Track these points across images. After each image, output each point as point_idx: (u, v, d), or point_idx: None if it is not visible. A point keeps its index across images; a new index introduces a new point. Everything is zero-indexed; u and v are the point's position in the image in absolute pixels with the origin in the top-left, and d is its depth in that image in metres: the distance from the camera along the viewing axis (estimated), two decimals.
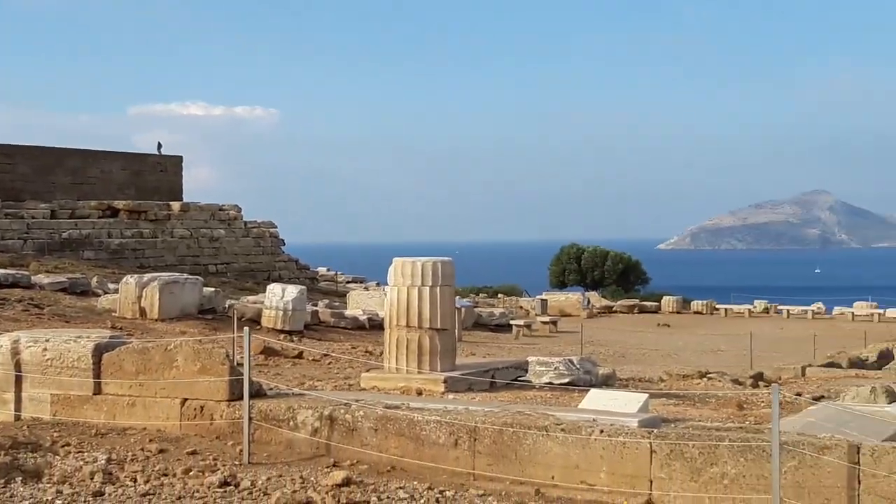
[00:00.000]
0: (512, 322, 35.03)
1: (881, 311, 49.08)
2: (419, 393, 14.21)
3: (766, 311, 51.62)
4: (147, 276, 24.71)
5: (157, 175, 54.38)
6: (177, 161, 56.92)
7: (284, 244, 55.03)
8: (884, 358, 23.44)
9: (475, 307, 37.58)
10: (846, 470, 7.97)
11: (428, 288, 15.33)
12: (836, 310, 50.90)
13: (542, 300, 47.07)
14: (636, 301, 53.43)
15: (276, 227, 54.33)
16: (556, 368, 15.21)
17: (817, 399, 14.21)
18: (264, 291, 26.62)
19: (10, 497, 8.26)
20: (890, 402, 13.05)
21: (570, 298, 50.27)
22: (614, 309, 50.67)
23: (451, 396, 13.87)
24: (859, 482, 7.93)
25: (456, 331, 22.14)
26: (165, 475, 9.15)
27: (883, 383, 14.59)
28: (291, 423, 10.58)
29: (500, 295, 53.86)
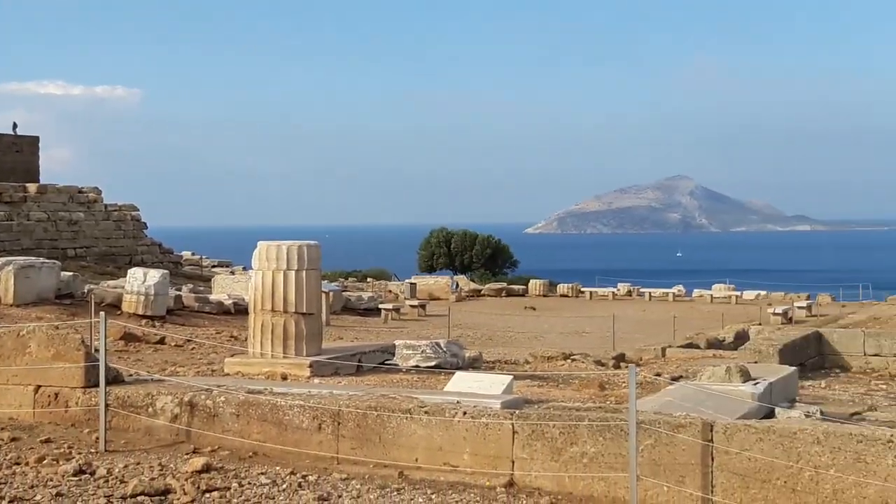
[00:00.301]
0: (381, 306, 34.99)
1: (738, 293, 50.70)
2: (284, 378, 14.07)
3: (630, 293, 52.79)
4: (1, 261, 23.84)
5: (12, 156, 52.36)
6: (33, 141, 54.91)
7: (147, 228, 53.73)
8: (740, 339, 24.20)
9: (344, 291, 37.41)
10: (700, 447, 8.18)
11: (294, 272, 15.17)
12: (696, 292, 52.35)
13: (412, 284, 47.15)
14: (504, 285, 53.98)
15: (138, 210, 52.98)
16: (422, 352, 15.25)
17: (676, 379, 14.58)
18: (126, 276, 25.96)
19: None
20: (744, 382, 13.48)
21: (439, 282, 50.45)
22: (482, 292, 51.11)
23: (316, 381, 13.77)
24: (713, 459, 8.16)
25: (323, 315, 21.99)
26: (18, 464, 8.85)
27: (738, 363, 15.04)
28: (150, 409, 10.35)
29: (369, 279, 53.75)
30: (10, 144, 53.40)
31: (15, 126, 56.08)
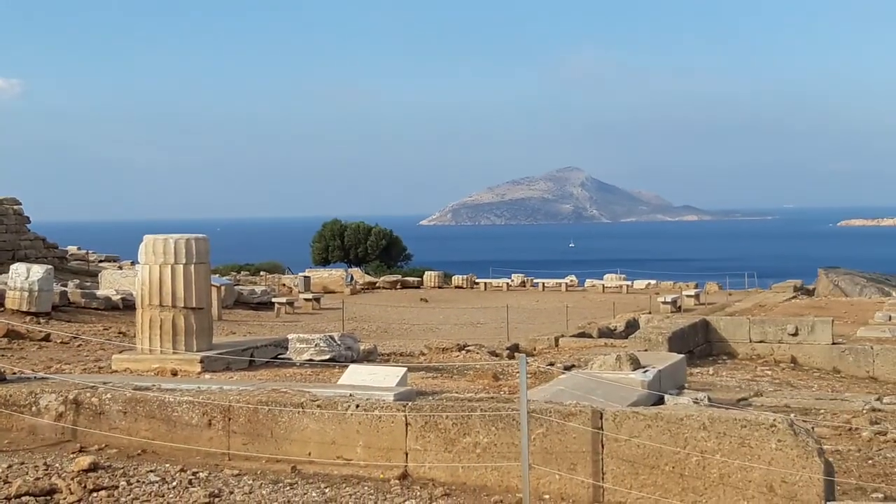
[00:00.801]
0: (274, 300, 34.63)
1: (629, 282, 51.61)
2: (174, 374, 13.83)
3: (523, 284, 53.31)
4: None
5: None
6: None
7: (30, 222, 52.25)
8: (631, 327, 24.62)
9: (236, 285, 36.93)
10: (590, 435, 8.28)
11: (182, 266, 14.90)
12: (588, 282, 53.10)
13: (306, 277, 46.77)
14: (399, 277, 53.98)
15: (20, 204, 51.42)
16: (316, 345, 15.13)
17: (568, 368, 14.76)
18: (7, 272, 25.19)
19: None
20: (634, 370, 13.72)
21: (333, 275, 50.16)
22: (377, 285, 51.01)
23: (207, 376, 13.57)
24: (603, 446, 8.27)
25: (214, 309, 21.68)
26: None
27: (628, 351, 15.30)
28: (34, 408, 10.07)
29: (262, 272, 53.13)
30: None
31: None
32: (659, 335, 19.75)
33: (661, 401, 11.58)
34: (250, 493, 8.09)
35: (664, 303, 37.09)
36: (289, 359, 15.10)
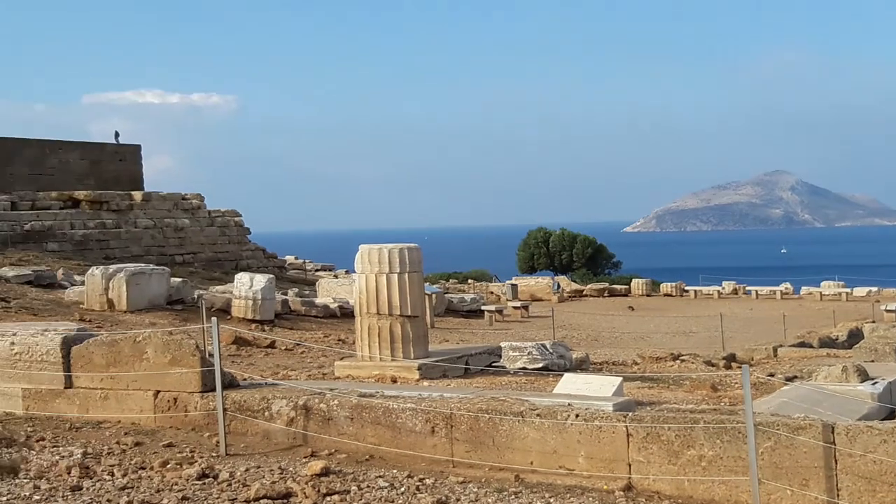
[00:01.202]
0: (483, 308, 35.02)
1: (848, 290, 49.47)
2: (394, 380, 14.17)
3: (735, 292, 51.92)
4: (113, 268, 24.50)
5: (115, 164, 53.73)
6: (135, 150, 56.26)
7: (250, 233, 54.66)
8: (854, 337, 23.61)
9: (446, 293, 37.55)
10: (822, 450, 8.00)
11: (396, 275, 15.27)
12: (804, 290, 51.23)
13: (513, 285, 47.09)
14: (606, 284, 53.57)
15: (240, 216, 53.90)
16: (529, 353, 15.21)
17: (790, 379, 14.28)
18: (232, 281, 26.45)
19: None
20: (862, 381, 13.13)
21: (540, 283, 50.27)
22: (584, 293, 50.80)
23: (425, 383, 13.85)
24: (836, 461, 7.97)
25: (427, 317, 22.11)
26: (143, 468, 9.05)
27: (854, 362, 14.67)
28: (266, 413, 10.51)
29: (470, 280, 53.82)
30: (113, 153, 54.83)
31: (117, 135, 57.51)
32: (886, 345, 18.86)
33: (892, 415, 11.06)
34: (476, 500, 8.20)
35: (888, 311, 35.36)
36: (502, 367, 15.23)
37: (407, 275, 15.37)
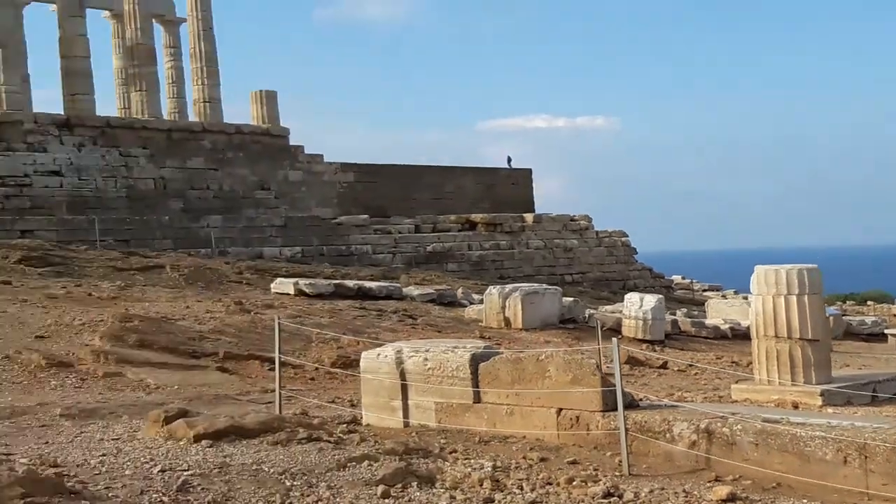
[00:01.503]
0: (887, 331, 32.87)
1: None
2: (795, 406, 13.68)
3: None
4: (509, 287, 25.46)
5: (508, 188, 56.02)
6: (526, 174, 58.40)
7: (637, 253, 54.85)
8: None
9: (843, 315, 35.66)
10: None
11: (795, 297, 14.72)
12: None
13: None
14: None
15: (627, 237, 54.30)
16: None
17: None
18: (619, 300, 26.69)
19: (408, 501, 8.72)
20: None
21: None
22: None
23: (829, 410, 13.25)
24: None
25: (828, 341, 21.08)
26: (549, 484, 9.33)
27: None
28: (668, 435, 10.50)
29: (869, 302, 50.80)
30: (506, 178, 57.20)
31: (509, 160, 59.99)
32: None
33: None
34: None
35: None
36: None
37: (806, 297, 14.79)
